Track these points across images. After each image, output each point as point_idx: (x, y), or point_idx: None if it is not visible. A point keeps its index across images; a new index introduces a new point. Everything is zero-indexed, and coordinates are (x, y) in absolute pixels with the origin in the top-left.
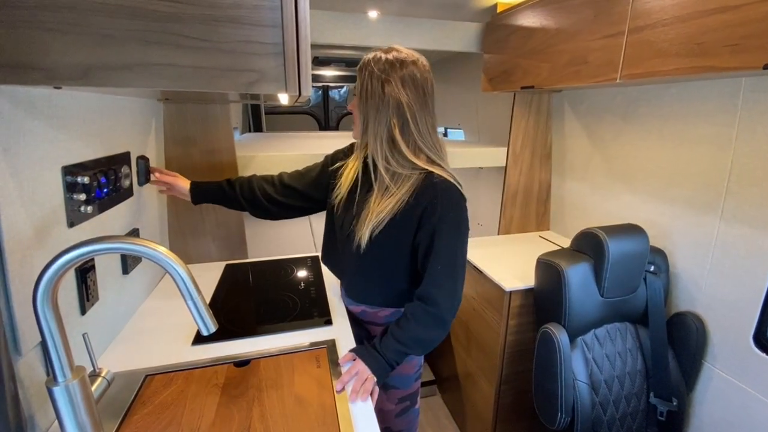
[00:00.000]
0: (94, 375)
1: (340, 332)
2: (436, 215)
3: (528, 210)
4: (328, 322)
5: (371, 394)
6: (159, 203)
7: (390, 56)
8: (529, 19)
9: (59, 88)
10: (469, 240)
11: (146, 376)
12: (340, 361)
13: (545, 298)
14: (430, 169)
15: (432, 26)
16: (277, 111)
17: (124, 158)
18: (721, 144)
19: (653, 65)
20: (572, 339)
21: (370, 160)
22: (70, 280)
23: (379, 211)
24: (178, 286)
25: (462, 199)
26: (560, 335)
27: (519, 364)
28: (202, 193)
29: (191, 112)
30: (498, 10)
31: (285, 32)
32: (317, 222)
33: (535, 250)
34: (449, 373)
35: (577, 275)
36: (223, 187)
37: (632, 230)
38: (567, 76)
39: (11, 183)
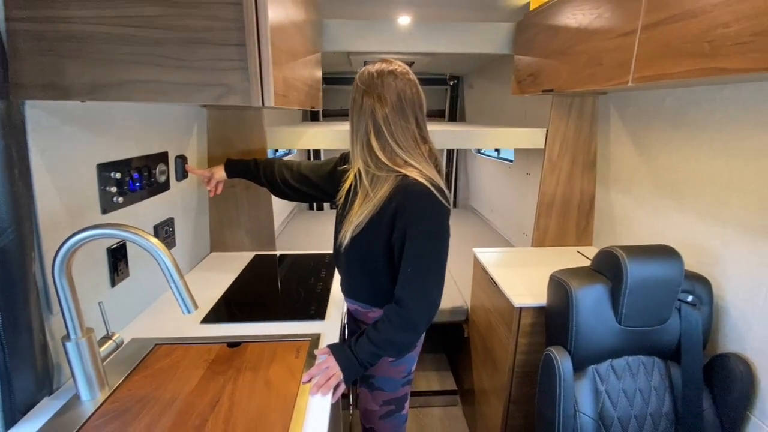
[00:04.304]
0: (106, 337)
1: (329, 328)
2: (405, 217)
3: (566, 222)
4: (321, 317)
5: (335, 391)
6: (199, 197)
7: (374, 69)
8: (554, 18)
9: (83, 101)
10: (496, 249)
11: (156, 344)
12: (315, 352)
13: (554, 319)
14: (405, 171)
15: (461, 29)
16: (333, 114)
17: (161, 157)
18: None
19: (664, 67)
20: (582, 366)
21: (356, 168)
22: (101, 257)
23: (359, 213)
24: (162, 271)
25: (434, 201)
26: (562, 360)
27: (530, 386)
28: (233, 168)
29: (230, 117)
30: (531, 8)
31: (248, 50)
32: None
33: (565, 266)
34: (468, 386)
35: (589, 297)
36: (251, 166)
37: (662, 252)
38: (584, 78)
39: (47, 177)
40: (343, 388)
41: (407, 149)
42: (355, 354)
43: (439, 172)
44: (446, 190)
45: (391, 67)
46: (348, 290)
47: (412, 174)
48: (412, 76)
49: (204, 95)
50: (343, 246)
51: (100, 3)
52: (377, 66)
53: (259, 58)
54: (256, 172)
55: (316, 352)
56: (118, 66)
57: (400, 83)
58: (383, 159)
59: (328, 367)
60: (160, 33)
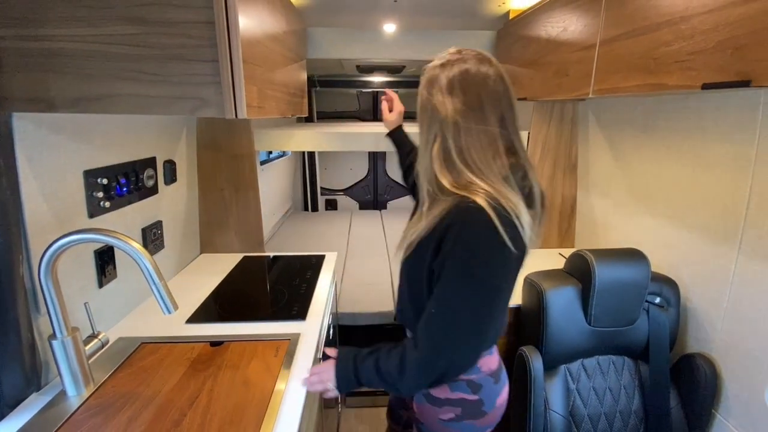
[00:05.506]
0: (92, 336)
1: (310, 328)
2: (449, 243)
3: (549, 224)
4: (303, 318)
5: (323, 394)
6: (188, 200)
7: (443, 57)
8: (529, 29)
9: (67, 113)
10: None
11: (141, 343)
12: (326, 351)
13: (527, 319)
14: (466, 192)
15: (443, 36)
16: (328, 116)
17: (149, 162)
18: (740, 165)
19: (617, 80)
20: (553, 366)
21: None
22: (88, 260)
23: (412, 232)
24: (143, 274)
25: (486, 231)
26: (534, 359)
27: None
28: (398, 135)
29: (219, 122)
30: (510, 17)
31: (221, 66)
32: (356, 223)
33: (545, 268)
34: None
35: (560, 299)
36: (406, 146)
37: (630, 256)
38: (553, 88)
39: (34, 184)
40: (334, 395)
41: (478, 168)
42: (357, 369)
43: (527, 196)
44: (520, 223)
45: (469, 53)
46: (400, 315)
47: (475, 197)
48: (495, 62)
49: (180, 108)
50: (400, 266)
51: (81, 22)
52: (449, 53)
53: (231, 73)
54: (405, 155)
55: (326, 350)
56: (99, 81)
57: (479, 71)
58: (445, 184)
59: (323, 380)
60: (138, 50)
